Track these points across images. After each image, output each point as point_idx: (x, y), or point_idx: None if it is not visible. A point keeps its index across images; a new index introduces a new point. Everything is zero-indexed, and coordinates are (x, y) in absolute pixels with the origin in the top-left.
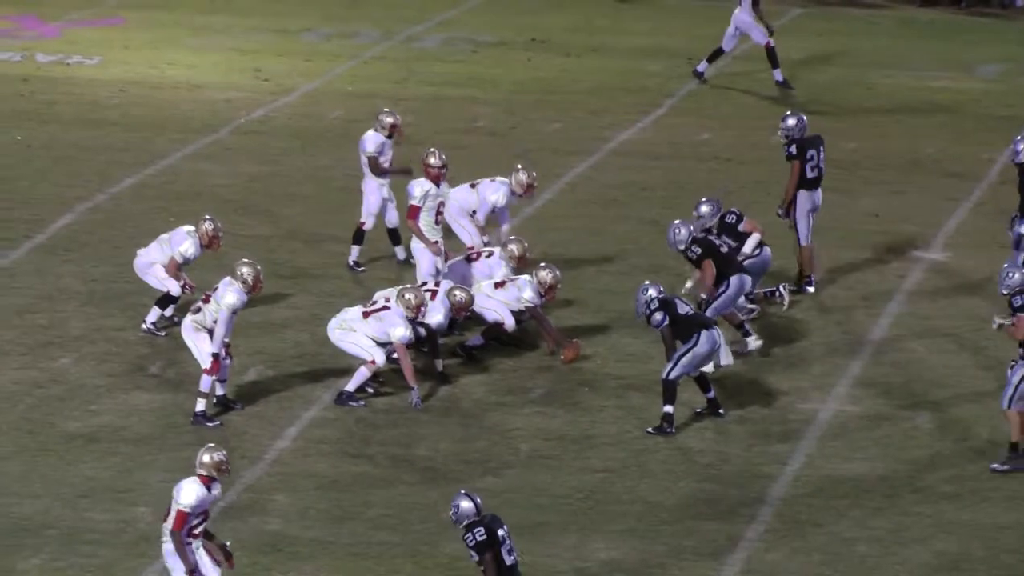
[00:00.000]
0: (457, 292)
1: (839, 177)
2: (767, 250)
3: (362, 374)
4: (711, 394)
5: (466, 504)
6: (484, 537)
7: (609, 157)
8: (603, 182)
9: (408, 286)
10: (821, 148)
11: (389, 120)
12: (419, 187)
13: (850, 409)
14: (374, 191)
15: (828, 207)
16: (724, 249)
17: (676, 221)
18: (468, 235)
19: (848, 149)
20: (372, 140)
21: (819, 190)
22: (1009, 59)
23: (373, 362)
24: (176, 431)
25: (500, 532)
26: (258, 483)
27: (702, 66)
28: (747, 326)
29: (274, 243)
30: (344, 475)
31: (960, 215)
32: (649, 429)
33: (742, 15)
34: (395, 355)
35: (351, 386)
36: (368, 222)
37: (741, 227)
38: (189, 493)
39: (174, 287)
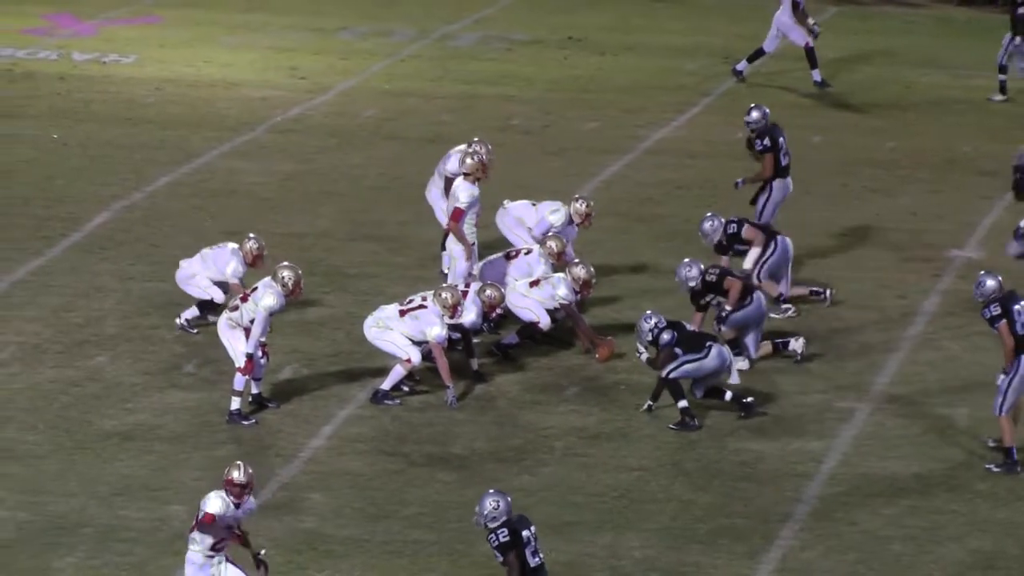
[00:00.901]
0: (488, 290)
1: (876, 176)
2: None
3: (397, 372)
4: (728, 396)
5: (490, 503)
6: (508, 538)
7: (644, 156)
8: (638, 180)
9: (444, 285)
10: (784, 136)
11: (473, 161)
12: (466, 192)
13: (886, 407)
14: (439, 197)
15: (867, 206)
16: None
17: (686, 260)
18: (523, 243)
19: (886, 148)
20: (464, 190)
21: (789, 178)
22: None
23: (409, 361)
24: (211, 429)
25: (525, 533)
26: (293, 481)
27: (742, 65)
28: (779, 341)
29: (309, 241)
30: (379, 473)
31: (995, 213)
32: (672, 425)
33: (782, 16)
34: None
35: (387, 384)
36: None
37: (743, 234)
38: (214, 505)
39: (217, 294)
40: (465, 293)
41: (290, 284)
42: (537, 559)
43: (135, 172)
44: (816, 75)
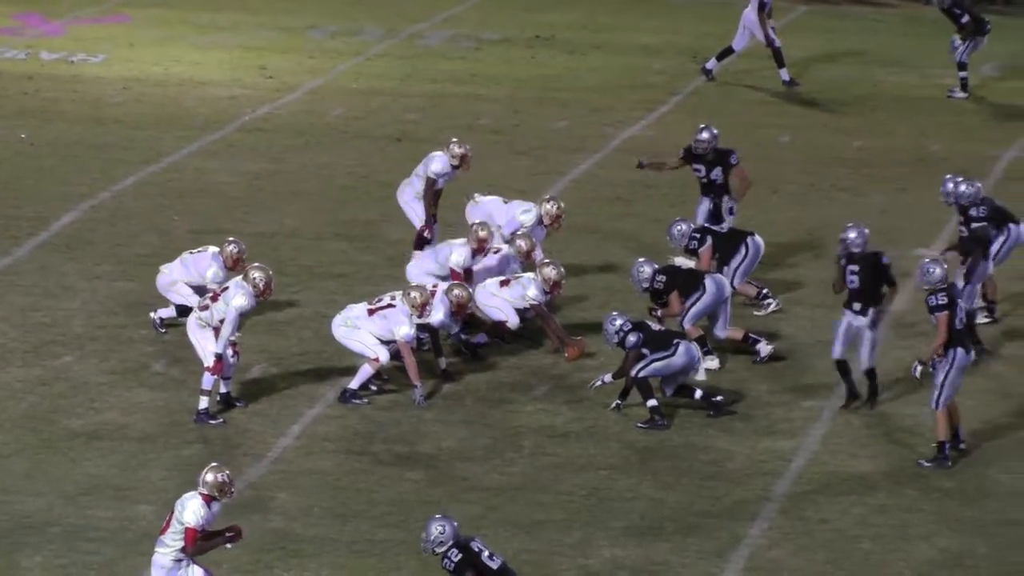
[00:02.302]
0: (456, 289)
1: (845, 175)
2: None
3: (366, 372)
4: (698, 394)
5: (435, 528)
6: (460, 556)
7: (614, 155)
8: (607, 180)
9: (413, 284)
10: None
11: (459, 150)
12: (461, 256)
13: (854, 406)
14: (413, 199)
15: (836, 206)
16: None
17: (640, 260)
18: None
19: (854, 147)
20: (439, 161)
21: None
22: (1013, 56)
23: (377, 360)
24: (179, 429)
25: (474, 544)
26: (261, 481)
27: (711, 64)
28: (752, 336)
29: (278, 240)
30: (347, 472)
31: None
32: (640, 424)
33: (750, 14)
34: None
35: (355, 384)
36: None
37: (700, 251)
38: (192, 512)
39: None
40: (433, 292)
41: (261, 285)
42: (497, 561)
43: (103, 171)
44: (784, 74)
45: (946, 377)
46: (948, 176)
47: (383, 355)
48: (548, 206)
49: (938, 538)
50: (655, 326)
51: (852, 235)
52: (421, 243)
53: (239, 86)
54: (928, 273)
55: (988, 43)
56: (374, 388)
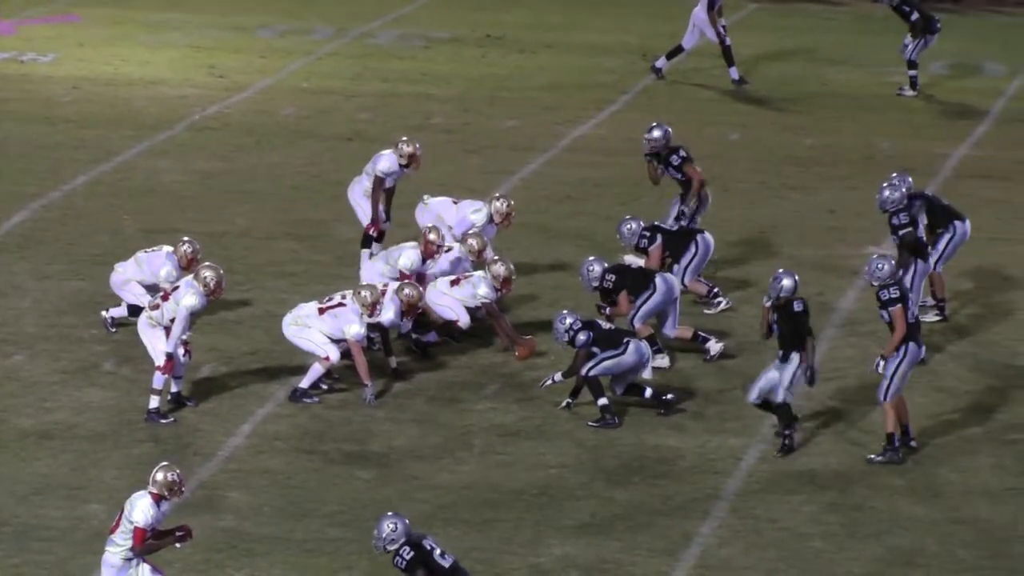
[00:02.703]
0: (407, 288)
1: (795, 173)
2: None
3: (316, 371)
4: (648, 393)
5: (387, 526)
6: (412, 554)
7: (563, 153)
8: (557, 178)
9: (363, 284)
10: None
11: (408, 149)
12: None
13: (804, 404)
14: (362, 197)
15: (786, 204)
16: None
17: (590, 258)
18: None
19: (804, 145)
20: (387, 160)
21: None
22: (962, 54)
23: (327, 359)
24: (130, 428)
25: (426, 542)
26: (212, 480)
27: (660, 62)
28: (702, 335)
29: (228, 240)
30: (298, 471)
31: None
32: (591, 423)
33: (699, 12)
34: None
35: (305, 383)
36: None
37: (650, 250)
38: (141, 512)
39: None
40: (384, 292)
41: (211, 284)
42: (448, 559)
43: (53, 171)
44: (734, 72)
45: (896, 369)
46: (885, 183)
47: (333, 354)
48: (498, 204)
49: (888, 536)
50: (605, 324)
51: (787, 283)
52: (368, 241)
53: (189, 85)
54: (877, 269)
55: (938, 41)
56: (325, 387)
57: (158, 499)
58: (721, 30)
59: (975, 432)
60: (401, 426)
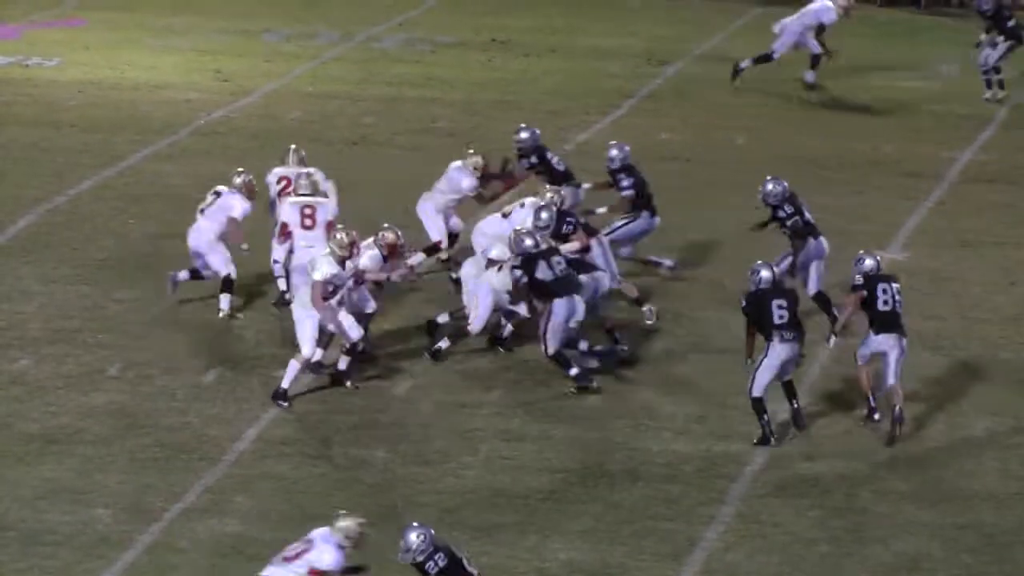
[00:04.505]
0: (385, 233)
1: (800, 176)
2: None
3: (292, 368)
4: (583, 346)
5: (415, 537)
6: (446, 562)
7: (569, 157)
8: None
9: (339, 226)
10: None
11: (478, 160)
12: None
13: (810, 408)
14: (434, 212)
15: None
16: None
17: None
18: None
19: (810, 148)
20: (468, 179)
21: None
22: (968, 58)
23: (301, 354)
24: (135, 433)
25: (453, 550)
26: (218, 485)
27: (810, 76)
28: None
29: (233, 244)
30: (304, 476)
31: (919, 214)
32: (571, 389)
33: (791, 23)
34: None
35: (285, 382)
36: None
37: (572, 236)
38: (326, 558)
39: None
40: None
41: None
42: (473, 569)
43: (58, 175)
44: (811, 76)
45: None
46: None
47: (307, 351)
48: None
49: (894, 541)
50: (542, 273)
51: (869, 263)
52: (433, 251)
53: (195, 90)
54: (860, 263)
55: (943, 45)
56: (348, 385)
57: (342, 547)
58: (814, 39)
59: (980, 436)
60: (406, 430)
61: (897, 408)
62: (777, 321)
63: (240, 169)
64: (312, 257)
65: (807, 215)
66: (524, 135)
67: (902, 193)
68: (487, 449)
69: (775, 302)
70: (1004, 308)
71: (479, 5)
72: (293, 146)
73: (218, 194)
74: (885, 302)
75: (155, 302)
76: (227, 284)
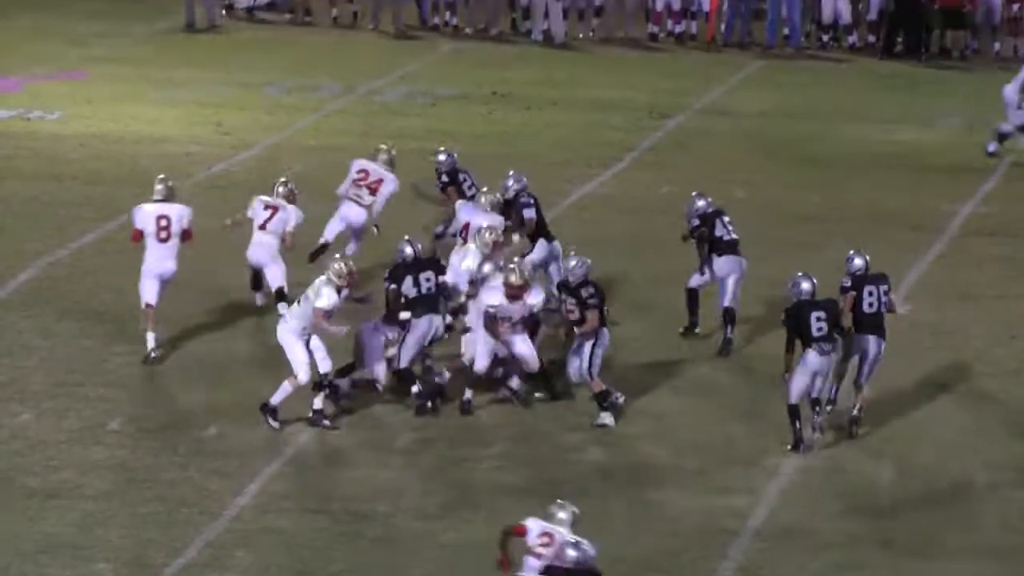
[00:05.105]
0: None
1: (802, 230)
2: None
3: (284, 389)
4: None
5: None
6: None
7: (570, 210)
8: (564, 236)
9: (337, 256)
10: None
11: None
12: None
13: (812, 462)
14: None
15: (793, 261)
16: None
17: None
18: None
19: (811, 202)
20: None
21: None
22: (970, 110)
23: (296, 379)
24: (136, 487)
25: None
26: (218, 539)
27: (992, 146)
28: (611, 398)
29: (234, 294)
30: (305, 530)
31: (921, 267)
32: (411, 406)
33: (1010, 91)
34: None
35: (275, 399)
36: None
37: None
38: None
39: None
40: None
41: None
42: None
43: (59, 228)
44: (991, 145)
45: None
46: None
47: (303, 376)
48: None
49: None
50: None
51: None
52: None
53: (196, 143)
54: (850, 262)
55: (945, 98)
56: (326, 423)
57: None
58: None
59: (981, 490)
60: (407, 484)
61: (856, 408)
62: (816, 333)
63: (283, 179)
64: (314, 283)
65: (730, 233)
66: (508, 183)
67: (903, 246)
68: (488, 502)
69: (814, 314)
70: (1005, 362)
71: (480, 57)
72: (283, 179)
73: (271, 208)
74: (870, 304)
75: (156, 357)
76: (280, 295)
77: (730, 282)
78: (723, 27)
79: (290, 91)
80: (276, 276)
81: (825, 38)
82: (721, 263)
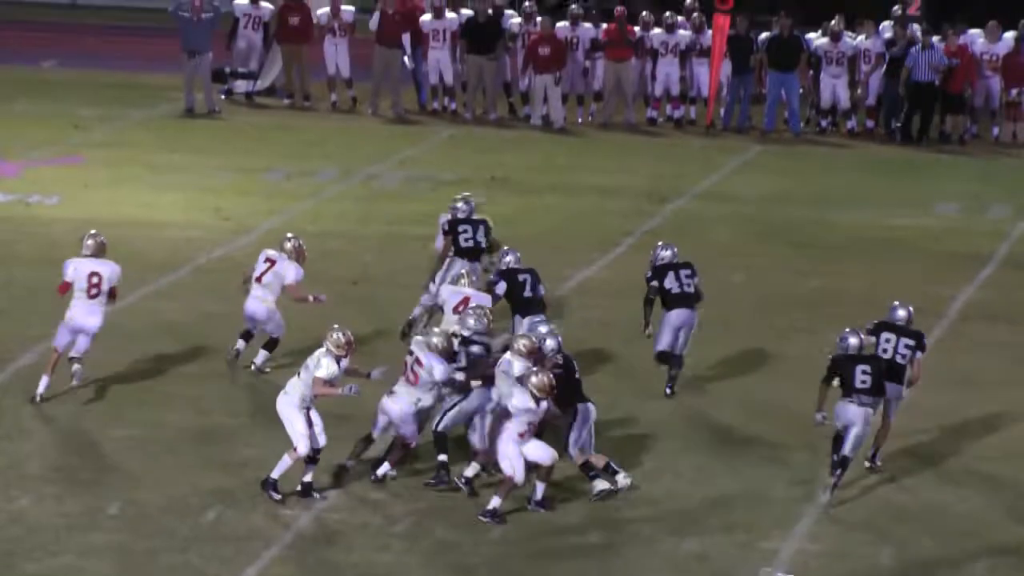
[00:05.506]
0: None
1: (800, 316)
2: None
3: (284, 463)
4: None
5: None
6: None
7: (569, 295)
8: (564, 321)
9: (335, 326)
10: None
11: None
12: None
13: (811, 547)
14: None
15: (791, 345)
16: None
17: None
18: None
19: (809, 287)
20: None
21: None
22: (968, 196)
23: (296, 451)
24: (134, 572)
25: None
26: None
27: None
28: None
29: (234, 378)
30: None
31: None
32: (429, 480)
33: None
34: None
35: (275, 473)
36: None
37: None
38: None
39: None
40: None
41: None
42: None
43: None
44: None
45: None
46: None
47: (303, 448)
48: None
49: None
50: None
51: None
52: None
53: (194, 228)
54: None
55: (945, 183)
56: (318, 496)
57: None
58: None
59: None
60: (408, 570)
61: (834, 478)
62: (859, 385)
63: (290, 235)
64: (313, 354)
65: (682, 287)
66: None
67: None
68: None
69: (860, 367)
70: (1006, 446)
71: (479, 143)
72: (290, 234)
73: (270, 261)
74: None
75: (154, 439)
76: (272, 344)
77: (681, 334)
78: (722, 112)
79: (289, 176)
80: (272, 332)
81: (824, 123)
82: (672, 316)
